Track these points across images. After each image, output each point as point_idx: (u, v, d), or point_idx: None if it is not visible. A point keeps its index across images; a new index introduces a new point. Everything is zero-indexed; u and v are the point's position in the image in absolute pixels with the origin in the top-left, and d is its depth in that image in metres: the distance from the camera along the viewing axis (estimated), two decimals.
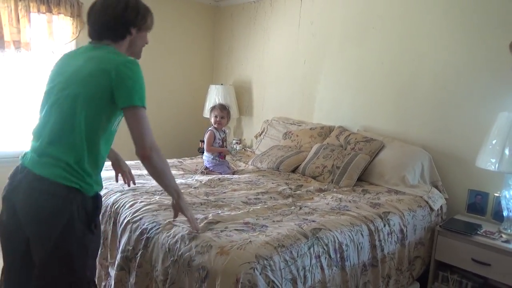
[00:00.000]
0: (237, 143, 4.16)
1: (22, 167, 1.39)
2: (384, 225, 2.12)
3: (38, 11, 3.23)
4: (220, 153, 3.10)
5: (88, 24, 1.50)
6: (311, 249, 1.69)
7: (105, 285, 1.99)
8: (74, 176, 1.34)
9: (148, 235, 1.76)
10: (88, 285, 1.42)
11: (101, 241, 2.02)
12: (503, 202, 2.31)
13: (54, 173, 1.32)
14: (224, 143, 3.18)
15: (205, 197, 2.21)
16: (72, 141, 1.35)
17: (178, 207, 1.62)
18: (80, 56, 1.45)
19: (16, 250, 1.40)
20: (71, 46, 3.55)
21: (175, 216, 1.68)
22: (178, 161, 3.27)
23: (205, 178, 2.71)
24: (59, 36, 3.38)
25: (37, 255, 1.35)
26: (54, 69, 1.52)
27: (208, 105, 4.19)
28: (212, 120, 3.16)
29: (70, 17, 3.41)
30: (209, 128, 3.15)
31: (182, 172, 2.92)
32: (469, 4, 2.64)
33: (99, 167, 1.46)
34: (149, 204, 2.00)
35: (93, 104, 1.35)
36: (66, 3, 3.37)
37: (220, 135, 3.14)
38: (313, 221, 1.90)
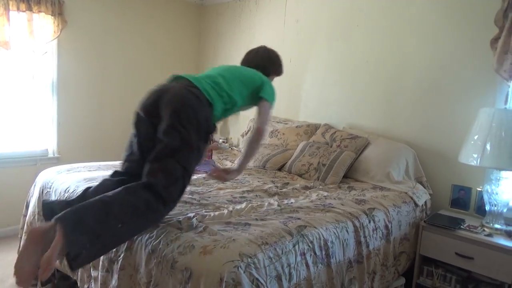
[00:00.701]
0: (223, 142, 4.14)
1: (176, 77, 1.88)
2: (369, 221, 2.13)
3: (18, 9, 3.16)
4: (208, 152, 3.07)
5: (247, 57, 2.38)
6: (296, 246, 1.69)
7: (88, 287, 1.95)
8: (216, 100, 1.78)
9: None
10: (189, 179, 1.67)
11: None
12: (485, 197, 2.35)
13: (205, 88, 1.76)
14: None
15: (190, 196, 2.19)
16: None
17: (231, 176, 1.97)
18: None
19: (144, 132, 1.77)
20: (52, 45, 3.49)
21: (219, 177, 1.96)
22: None
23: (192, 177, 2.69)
24: (40, 35, 3.31)
25: (168, 136, 1.63)
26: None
27: None
28: None
29: (51, 15, 3.35)
30: None
31: None
32: (452, 2, 2.67)
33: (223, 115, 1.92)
34: None
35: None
36: (47, 1, 3.30)
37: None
38: (298, 218, 1.90)
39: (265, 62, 2.27)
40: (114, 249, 1.76)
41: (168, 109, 1.68)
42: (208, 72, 1.97)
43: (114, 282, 1.74)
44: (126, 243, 1.72)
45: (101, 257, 1.82)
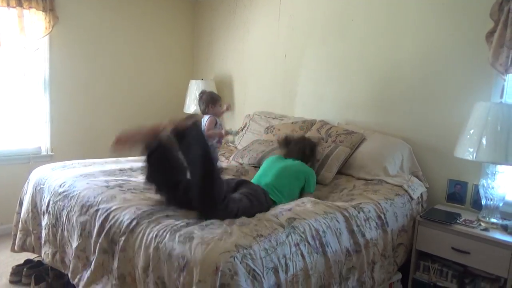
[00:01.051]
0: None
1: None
2: (359, 212, 2.13)
3: (8, 5, 3.11)
4: (220, 139, 3.07)
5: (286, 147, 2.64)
6: (289, 237, 1.71)
7: (81, 276, 1.93)
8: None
9: (139, 220, 1.75)
10: None
11: (79, 233, 1.99)
12: (481, 191, 2.35)
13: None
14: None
15: None
16: None
17: None
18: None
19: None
20: (44, 42, 3.44)
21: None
22: None
23: None
24: (31, 31, 3.26)
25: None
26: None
27: (189, 100, 4.13)
28: (218, 111, 3.13)
29: (43, 11, 3.30)
30: (208, 116, 3.10)
31: None
32: None
33: None
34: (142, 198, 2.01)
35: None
36: None
37: (219, 125, 3.13)
38: (289, 209, 1.93)
39: (306, 153, 2.59)
40: (118, 230, 1.78)
41: None
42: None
43: (115, 263, 1.76)
44: (130, 227, 1.74)
45: (99, 239, 1.83)
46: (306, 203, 2.07)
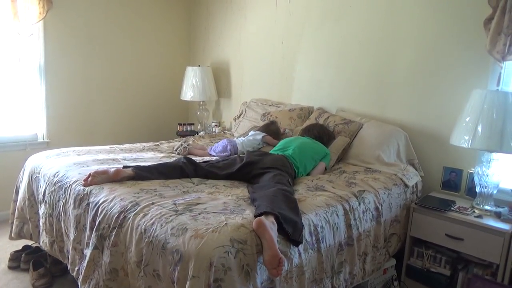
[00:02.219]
0: (216, 125, 4.11)
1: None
2: (359, 204, 2.14)
3: None
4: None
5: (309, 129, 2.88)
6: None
7: (78, 269, 1.95)
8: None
9: (126, 213, 1.73)
10: None
11: (75, 226, 1.98)
12: (476, 179, 2.36)
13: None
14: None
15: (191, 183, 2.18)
16: None
17: None
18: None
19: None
20: (38, 27, 3.40)
21: None
22: (155, 145, 3.20)
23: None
24: (24, 17, 3.21)
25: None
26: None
27: (186, 87, 4.11)
28: (272, 142, 3.04)
29: None
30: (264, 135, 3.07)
31: (160, 155, 2.84)
32: None
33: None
34: (129, 187, 1.98)
35: None
36: None
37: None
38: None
39: (324, 140, 2.82)
40: (106, 225, 1.77)
41: None
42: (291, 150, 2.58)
43: (106, 258, 1.75)
44: (119, 221, 1.73)
45: (92, 234, 1.83)
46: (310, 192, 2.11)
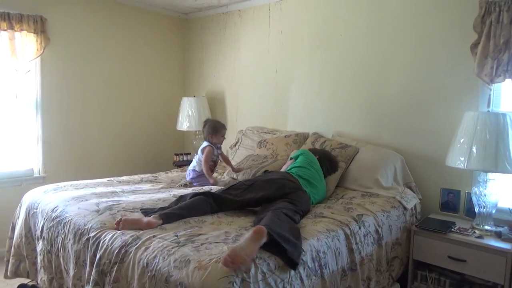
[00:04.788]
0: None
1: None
2: (360, 227, 2.14)
3: None
4: (212, 168, 3.05)
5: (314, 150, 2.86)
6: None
7: None
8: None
9: (127, 248, 1.71)
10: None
11: (75, 261, 1.95)
12: (474, 199, 2.38)
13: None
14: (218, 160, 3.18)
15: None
16: None
17: None
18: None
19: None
20: (35, 63, 3.45)
21: None
22: (153, 176, 3.20)
23: (183, 191, 2.66)
24: (22, 54, 3.27)
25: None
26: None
27: (182, 118, 4.14)
28: (219, 140, 3.11)
29: (34, 33, 3.32)
30: (207, 144, 3.08)
31: (158, 187, 2.84)
32: (432, 8, 2.74)
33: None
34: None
35: None
36: (29, 19, 3.27)
37: (217, 152, 3.12)
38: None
39: (325, 164, 2.73)
40: (107, 261, 1.74)
41: None
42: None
43: None
44: (120, 256, 1.70)
45: (92, 270, 1.79)
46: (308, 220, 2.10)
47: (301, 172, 2.50)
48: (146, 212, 2.10)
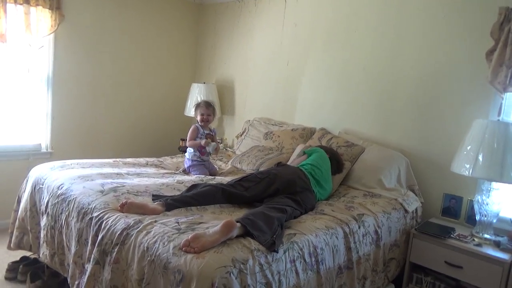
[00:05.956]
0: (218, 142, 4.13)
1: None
2: (359, 227, 2.15)
3: (15, 2, 3.13)
4: (201, 149, 3.03)
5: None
6: (286, 253, 1.70)
7: (78, 284, 1.94)
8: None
9: (129, 231, 1.74)
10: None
11: (77, 239, 1.99)
12: (475, 207, 2.38)
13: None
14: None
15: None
16: None
17: None
18: None
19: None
20: (49, 39, 3.46)
21: None
22: (158, 160, 3.23)
23: (186, 178, 2.68)
24: (36, 29, 3.28)
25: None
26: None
27: (190, 103, 4.15)
28: (199, 118, 3.11)
29: (49, 9, 3.33)
30: (195, 124, 3.11)
31: (163, 172, 2.87)
32: (450, 12, 2.70)
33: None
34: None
35: None
36: None
37: (204, 131, 3.10)
38: (288, 227, 1.91)
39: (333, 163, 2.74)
40: (109, 241, 1.77)
41: None
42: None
43: (106, 274, 1.75)
44: (121, 238, 1.74)
45: (94, 249, 1.83)
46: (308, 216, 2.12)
47: (314, 172, 2.50)
48: (157, 197, 2.12)
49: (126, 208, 1.91)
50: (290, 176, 2.34)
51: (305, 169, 2.50)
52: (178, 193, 2.23)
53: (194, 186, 2.27)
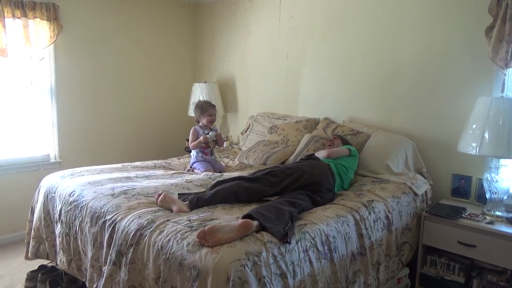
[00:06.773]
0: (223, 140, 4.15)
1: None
2: (369, 213, 2.16)
3: (13, 16, 3.16)
4: (204, 149, 3.09)
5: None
6: (299, 243, 1.71)
7: (96, 287, 1.97)
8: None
9: (142, 231, 1.77)
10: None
11: (92, 243, 2.02)
12: (485, 185, 2.37)
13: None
14: (212, 142, 3.17)
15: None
16: None
17: None
18: None
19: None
20: (49, 50, 3.50)
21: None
22: (166, 162, 3.26)
23: (194, 177, 2.71)
24: (36, 41, 3.31)
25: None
26: None
27: (193, 103, 4.17)
28: (206, 119, 3.14)
29: (47, 20, 3.36)
30: (194, 127, 3.17)
31: (171, 172, 2.90)
32: None
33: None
34: (145, 204, 2.04)
35: None
36: (41, 6, 3.31)
37: (204, 131, 3.13)
38: (299, 218, 1.93)
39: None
40: (124, 242, 1.80)
41: None
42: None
43: (123, 275, 1.78)
44: (135, 238, 1.77)
45: (110, 251, 1.86)
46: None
47: (345, 175, 2.52)
48: (183, 196, 2.17)
49: (161, 198, 2.01)
50: (317, 179, 2.29)
51: (335, 169, 2.48)
52: (188, 191, 2.26)
53: (218, 182, 2.27)
